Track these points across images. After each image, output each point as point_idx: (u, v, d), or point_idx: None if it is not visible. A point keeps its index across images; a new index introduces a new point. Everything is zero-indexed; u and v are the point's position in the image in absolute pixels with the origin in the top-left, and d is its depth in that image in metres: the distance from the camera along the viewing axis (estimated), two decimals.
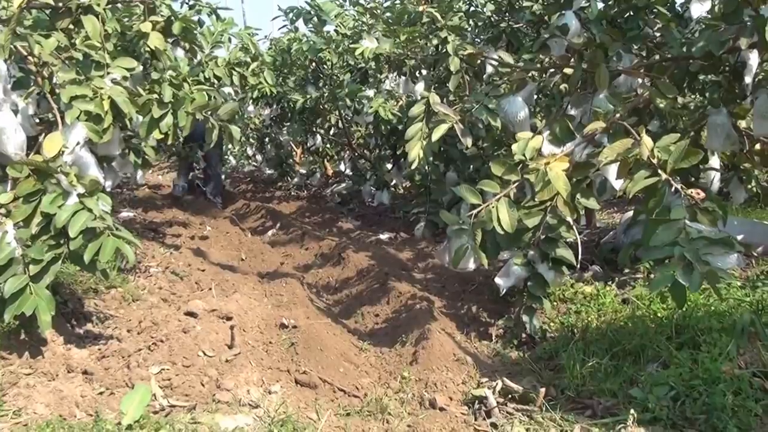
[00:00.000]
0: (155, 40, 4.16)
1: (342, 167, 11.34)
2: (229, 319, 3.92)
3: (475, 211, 3.67)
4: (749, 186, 5.26)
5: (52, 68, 3.58)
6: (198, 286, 4.97)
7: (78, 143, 3.44)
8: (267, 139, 12.27)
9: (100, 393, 3.13)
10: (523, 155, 3.72)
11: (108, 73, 3.80)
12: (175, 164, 12.76)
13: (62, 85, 3.50)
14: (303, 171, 12.16)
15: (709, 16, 4.11)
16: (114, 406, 2.97)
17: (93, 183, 3.28)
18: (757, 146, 4.59)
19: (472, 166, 6.45)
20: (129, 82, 4.14)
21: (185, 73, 4.38)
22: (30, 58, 3.60)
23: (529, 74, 4.68)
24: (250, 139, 13.83)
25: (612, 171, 3.55)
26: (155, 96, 4.09)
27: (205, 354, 3.46)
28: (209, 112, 4.19)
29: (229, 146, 13.57)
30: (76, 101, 3.48)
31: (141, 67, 4.38)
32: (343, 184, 10.71)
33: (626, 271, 4.79)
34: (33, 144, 3.58)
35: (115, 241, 3.18)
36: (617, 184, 3.60)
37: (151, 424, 2.75)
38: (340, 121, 9.97)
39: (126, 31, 4.45)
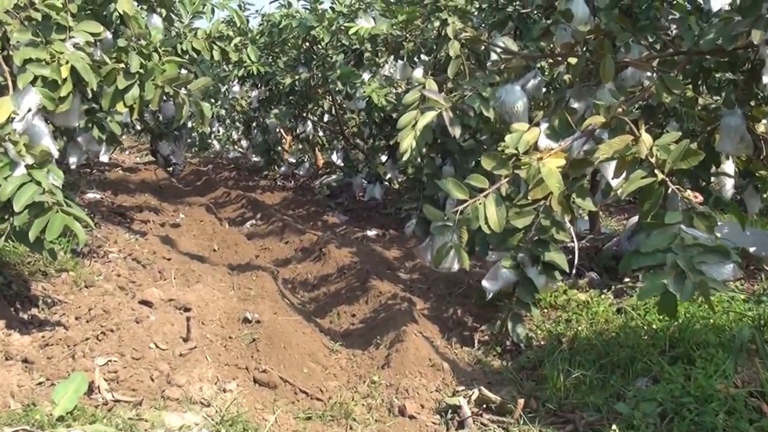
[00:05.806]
0: (124, 4, 4.14)
1: (334, 157, 11.29)
2: (187, 310, 3.91)
3: (460, 207, 3.66)
4: (765, 195, 5.24)
5: (7, 28, 3.56)
6: (161, 276, 4.95)
7: (30, 110, 3.43)
8: (254, 124, 12.20)
9: (40, 383, 3.11)
10: (516, 148, 3.71)
11: (70, 37, 3.79)
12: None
13: (17, 46, 3.50)
14: (292, 160, 12.11)
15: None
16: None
17: (44, 154, 3.27)
18: None
19: (472, 161, 6.41)
20: (98, 49, 4.13)
21: (156, 41, 4.35)
22: None
23: (537, 64, 4.66)
24: (236, 123, 13.78)
25: (611, 170, 3.53)
26: (122, 65, 4.08)
27: (157, 346, 3.45)
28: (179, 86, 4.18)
29: (207, 129, 13.55)
30: (30, 65, 3.47)
31: (110, 34, 4.37)
32: (334, 176, 10.66)
33: (626, 279, 4.78)
34: None
35: (64, 218, 3.17)
36: (615, 183, 3.58)
37: (86, 416, 2.74)
38: (333, 107, 9.93)
39: None
